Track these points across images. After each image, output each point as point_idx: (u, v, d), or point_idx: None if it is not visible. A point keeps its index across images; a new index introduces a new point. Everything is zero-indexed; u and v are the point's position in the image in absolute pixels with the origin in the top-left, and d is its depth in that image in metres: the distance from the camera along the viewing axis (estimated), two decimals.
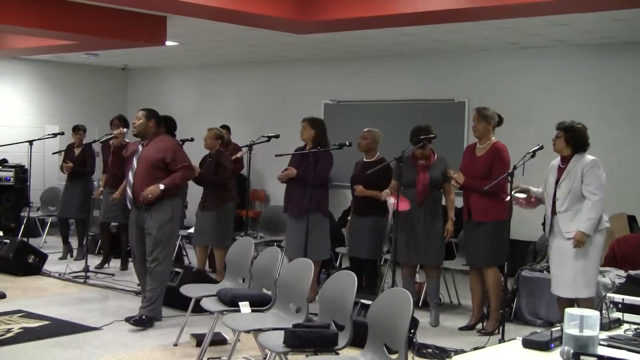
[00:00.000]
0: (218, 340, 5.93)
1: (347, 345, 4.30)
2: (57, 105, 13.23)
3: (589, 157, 5.84)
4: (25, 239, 9.07)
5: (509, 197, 6.04)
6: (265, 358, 5.19)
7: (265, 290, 5.51)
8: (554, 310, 6.48)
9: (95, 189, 9.74)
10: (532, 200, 6.22)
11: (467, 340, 6.38)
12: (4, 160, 11.80)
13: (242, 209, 10.10)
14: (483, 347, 5.44)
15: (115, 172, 8.55)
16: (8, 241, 8.90)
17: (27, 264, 8.70)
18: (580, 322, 3.09)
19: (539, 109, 9.48)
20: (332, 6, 7.11)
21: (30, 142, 9.27)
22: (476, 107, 6.78)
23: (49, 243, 10.68)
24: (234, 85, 12.64)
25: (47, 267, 8.86)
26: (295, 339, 4.24)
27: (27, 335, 6.14)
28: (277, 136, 7.89)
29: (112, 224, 9.45)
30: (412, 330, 5.95)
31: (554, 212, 5.91)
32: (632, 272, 6.43)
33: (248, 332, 5.04)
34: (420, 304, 7.29)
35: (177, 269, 7.17)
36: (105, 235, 9.50)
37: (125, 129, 7.06)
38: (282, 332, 4.33)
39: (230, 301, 5.32)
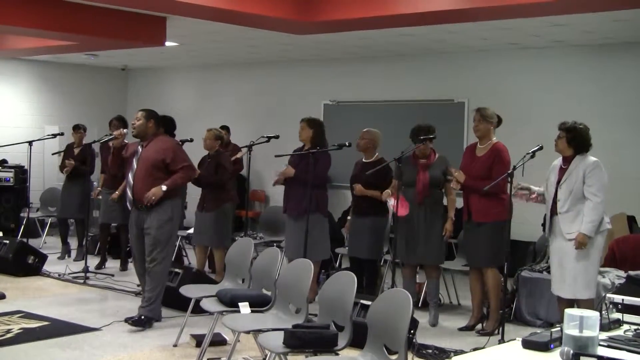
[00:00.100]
0: (218, 341, 5.93)
1: (347, 345, 4.29)
2: (57, 106, 13.23)
3: (591, 158, 5.82)
4: (24, 240, 9.07)
5: (511, 193, 6.03)
6: (264, 358, 5.18)
7: (264, 291, 5.51)
8: (553, 311, 6.48)
9: (93, 189, 9.74)
10: (533, 195, 6.21)
11: (467, 340, 6.38)
12: (4, 161, 11.80)
13: (241, 209, 10.10)
14: (483, 347, 5.45)
15: (115, 172, 8.55)
16: (8, 242, 8.89)
17: (27, 264, 8.70)
18: (580, 323, 3.09)
19: (539, 109, 9.48)
20: (331, 7, 7.11)
21: (30, 143, 9.27)
22: (477, 107, 6.77)
23: (49, 243, 10.67)
24: (233, 85, 12.64)
25: (46, 267, 8.85)
26: (295, 340, 4.24)
27: (26, 336, 6.13)
28: (276, 137, 7.89)
29: (112, 224, 9.45)
30: (412, 331, 5.95)
31: (554, 213, 5.89)
32: (631, 273, 6.46)
33: (248, 332, 5.03)
34: (420, 305, 7.30)
35: (176, 270, 7.17)
36: (104, 236, 9.50)
37: (125, 130, 7.06)
38: (282, 332, 4.33)
39: (230, 302, 5.32)
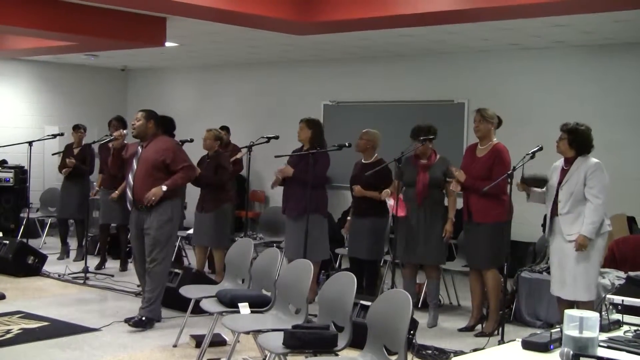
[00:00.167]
0: (217, 341, 5.93)
1: (347, 346, 4.29)
2: (57, 106, 13.23)
3: (593, 159, 5.80)
4: (24, 240, 9.07)
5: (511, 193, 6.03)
6: (264, 359, 5.18)
7: (264, 291, 5.51)
8: (553, 312, 6.47)
9: (92, 189, 9.73)
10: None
11: (467, 341, 6.38)
12: (4, 161, 11.80)
13: (241, 210, 10.10)
14: (482, 348, 5.45)
15: (115, 173, 8.55)
16: (8, 242, 8.90)
17: (27, 264, 8.70)
18: (580, 324, 3.09)
19: (539, 110, 9.48)
20: (331, 7, 7.10)
21: (30, 143, 9.27)
22: (477, 108, 6.76)
23: (49, 244, 10.67)
24: (233, 86, 12.64)
25: (46, 268, 8.86)
26: (295, 340, 4.24)
27: (26, 336, 6.13)
28: (276, 137, 7.89)
29: (112, 224, 9.45)
30: (412, 332, 5.95)
31: (555, 214, 5.88)
32: (631, 274, 6.42)
33: (247, 333, 5.03)
34: (419, 305, 7.29)
35: (176, 270, 7.17)
36: (104, 236, 9.50)
37: (124, 131, 7.06)
38: (282, 333, 4.33)
39: (230, 302, 5.32)
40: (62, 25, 8.08)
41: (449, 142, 8.91)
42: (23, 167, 11.34)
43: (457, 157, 7.55)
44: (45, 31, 8.17)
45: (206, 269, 8.65)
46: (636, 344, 3.35)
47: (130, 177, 6.50)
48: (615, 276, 6.69)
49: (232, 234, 8.74)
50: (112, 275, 8.73)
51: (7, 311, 6.91)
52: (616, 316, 3.79)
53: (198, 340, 5.91)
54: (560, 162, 5.97)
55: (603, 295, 4.57)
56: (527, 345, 3.32)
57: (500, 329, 6.02)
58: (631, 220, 8.50)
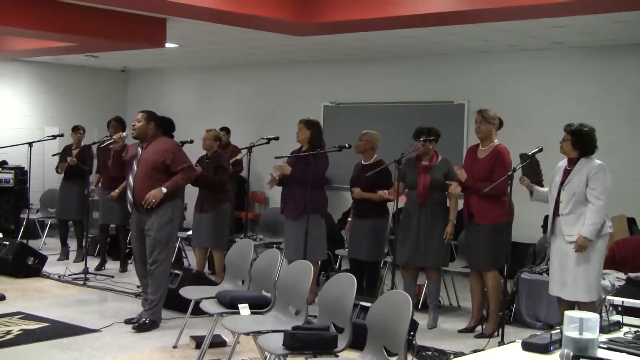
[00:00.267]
0: (217, 343, 5.93)
1: (347, 347, 4.30)
2: (57, 107, 13.23)
3: (596, 161, 5.78)
4: (24, 241, 9.06)
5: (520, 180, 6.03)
6: None
7: (264, 293, 5.51)
8: (553, 313, 6.47)
9: (88, 187, 9.68)
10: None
11: (467, 342, 6.38)
12: (4, 162, 11.80)
13: (241, 211, 10.10)
14: (482, 349, 5.44)
15: (115, 174, 8.54)
16: (8, 243, 8.90)
17: (27, 265, 8.70)
18: (580, 325, 3.09)
19: (539, 110, 9.48)
20: (331, 8, 7.11)
21: (30, 144, 9.27)
22: (478, 109, 6.75)
23: (49, 245, 10.68)
24: (233, 87, 12.65)
25: (46, 268, 8.86)
26: (295, 341, 4.24)
27: (26, 337, 6.13)
28: (276, 138, 7.89)
29: (111, 225, 9.45)
30: (412, 333, 5.95)
31: (556, 214, 5.88)
32: (631, 275, 6.45)
33: (247, 334, 5.04)
34: (419, 306, 7.29)
35: (176, 271, 7.17)
36: (103, 237, 9.50)
37: (124, 134, 7.06)
38: (282, 334, 4.33)
39: (230, 303, 5.31)
40: (62, 26, 8.08)
41: (449, 143, 8.90)
42: (23, 168, 11.34)
43: (457, 158, 7.56)
44: (46, 32, 8.18)
45: (206, 269, 8.65)
46: (636, 346, 3.36)
47: (130, 178, 6.50)
48: (615, 277, 6.69)
49: (232, 235, 8.74)
50: (112, 276, 8.73)
51: (7, 312, 6.91)
52: (616, 317, 3.79)
53: (198, 341, 5.91)
54: (563, 162, 5.96)
55: (603, 297, 4.57)
56: (527, 346, 3.32)
57: (500, 330, 6.01)
58: (631, 221, 8.50)
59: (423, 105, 10.36)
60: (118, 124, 9.09)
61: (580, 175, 5.75)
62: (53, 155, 10.42)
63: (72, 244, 10.08)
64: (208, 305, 5.49)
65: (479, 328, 6.71)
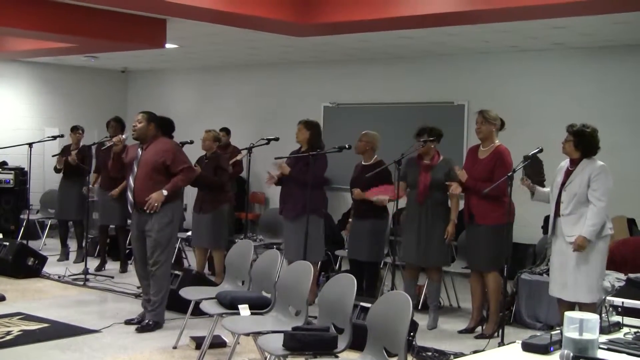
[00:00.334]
0: (217, 343, 5.92)
1: (347, 348, 4.30)
2: (57, 108, 13.23)
3: (598, 162, 5.77)
4: (24, 242, 9.05)
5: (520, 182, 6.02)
6: None
7: (264, 293, 5.51)
8: (553, 314, 6.47)
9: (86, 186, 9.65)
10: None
11: (467, 343, 6.38)
12: (4, 163, 11.80)
13: (241, 211, 10.10)
14: (482, 350, 5.44)
15: (115, 175, 8.54)
16: (8, 243, 8.90)
17: (27, 266, 8.70)
18: (580, 326, 3.09)
19: (539, 111, 9.48)
20: (331, 9, 7.11)
21: (30, 145, 9.26)
22: (479, 109, 6.75)
23: (49, 245, 10.68)
24: (233, 87, 12.65)
25: (46, 269, 8.85)
26: (295, 342, 4.24)
27: (26, 338, 6.13)
28: (276, 139, 7.89)
29: (111, 225, 9.45)
30: (412, 333, 5.95)
31: (557, 215, 5.88)
32: (631, 275, 6.44)
33: (247, 334, 5.04)
34: (419, 307, 7.29)
35: (176, 272, 7.17)
36: (103, 237, 9.49)
37: (123, 136, 7.05)
38: (282, 335, 4.33)
39: (230, 304, 5.31)
40: (62, 27, 8.08)
41: (449, 143, 8.87)
42: (23, 168, 11.34)
43: (456, 158, 7.55)
44: (46, 33, 8.18)
45: (206, 270, 8.65)
46: (636, 346, 3.36)
47: (130, 179, 6.50)
48: (615, 278, 6.68)
49: (232, 236, 8.74)
50: (112, 277, 8.74)
51: (7, 313, 6.91)
52: (616, 318, 3.78)
53: (198, 342, 5.91)
54: (565, 162, 5.94)
55: (603, 297, 4.57)
56: (527, 347, 3.32)
57: (500, 331, 6.01)
58: (631, 222, 8.50)
59: (423, 105, 10.36)
60: (117, 124, 9.09)
61: (582, 176, 5.74)
62: (53, 155, 10.40)
63: (72, 245, 10.08)
64: (208, 306, 5.49)
65: (479, 329, 6.71)
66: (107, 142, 8.44)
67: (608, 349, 3.32)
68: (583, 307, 5.70)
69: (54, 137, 9.51)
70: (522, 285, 7.08)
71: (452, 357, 5.89)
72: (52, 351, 5.85)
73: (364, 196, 7.18)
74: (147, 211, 6.33)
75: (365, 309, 5.69)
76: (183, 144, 8.04)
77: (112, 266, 9.35)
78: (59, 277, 8.65)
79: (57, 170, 9.84)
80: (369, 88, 11.02)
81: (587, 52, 9.26)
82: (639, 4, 6.07)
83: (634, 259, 7.15)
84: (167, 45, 9.25)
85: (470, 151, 6.89)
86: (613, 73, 9.10)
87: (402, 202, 7.15)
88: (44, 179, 12.57)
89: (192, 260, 9.04)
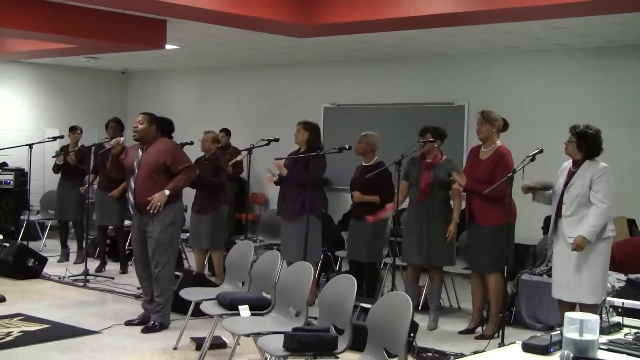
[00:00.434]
0: (218, 344, 5.93)
1: (347, 349, 4.30)
2: (57, 109, 13.24)
3: (601, 164, 5.75)
4: (25, 242, 9.05)
5: (524, 183, 6.02)
6: None
7: (264, 294, 5.51)
8: (553, 314, 6.46)
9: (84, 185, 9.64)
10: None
11: (467, 344, 6.37)
12: (4, 164, 11.80)
13: (241, 212, 10.10)
14: (483, 351, 5.44)
15: (115, 176, 8.55)
16: (8, 244, 8.89)
17: (27, 267, 8.70)
18: (580, 326, 3.09)
19: (539, 112, 9.48)
20: (331, 10, 7.10)
21: (30, 146, 9.25)
22: (481, 110, 6.75)
23: (49, 246, 10.68)
24: (233, 88, 12.65)
25: (46, 270, 8.86)
26: (295, 343, 4.24)
27: (26, 339, 6.13)
28: (276, 140, 7.88)
29: (110, 226, 9.45)
30: (412, 334, 5.94)
31: (559, 216, 5.87)
32: (631, 276, 6.44)
33: (248, 335, 5.04)
34: (420, 308, 7.29)
35: (176, 273, 7.16)
36: (102, 238, 9.49)
37: (122, 138, 7.04)
38: (282, 335, 4.33)
39: (230, 305, 5.32)
40: (62, 28, 8.08)
41: (449, 144, 8.88)
42: (23, 169, 11.35)
43: (457, 159, 7.55)
44: (46, 34, 8.18)
45: (206, 271, 8.65)
46: (636, 347, 3.35)
47: (131, 180, 6.50)
48: (615, 279, 6.68)
49: (232, 236, 8.74)
50: (113, 278, 8.74)
51: (7, 314, 6.91)
52: (616, 319, 3.78)
53: (198, 343, 5.91)
54: (568, 163, 5.93)
55: (603, 298, 4.57)
56: (527, 347, 3.32)
57: (501, 332, 6.01)
58: (631, 222, 8.50)
59: (423, 106, 10.36)
60: (117, 125, 9.09)
61: (584, 177, 5.73)
62: (53, 156, 10.41)
63: (72, 246, 10.08)
64: (208, 307, 5.50)
65: (479, 329, 6.71)
66: (106, 144, 8.46)
67: (608, 350, 3.32)
68: (584, 307, 5.69)
69: (54, 138, 9.50)
70: (522, 285, 7.08)
71: (452, 357, 5.89)
72: (52, 352, 5.85)
73: (365, 199, 7.19)
74: (150, 211, 6.33)
75: (366, 310, 5.70)
76: (183, 144, 8.02)
77: (112, 267, 9.35)
78: (59, 278, 8.66)
79: (56, 169, 9.82)
80: (369, 89, 11.02)
81: (587, 53, 9.26)
82: (638, 5, 6.07)
83: (634, 260, 7.14)
84: (167, 46, 9.25)
85: (471, 152, 6.88)
86: (613, 73, 9.10)
87: (404, 202, 7.15)
88: (44, 180, 12.57)
89: (192, 261, 9.03)
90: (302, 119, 7.64)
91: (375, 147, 7.41)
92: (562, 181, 5.88)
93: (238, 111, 12.43)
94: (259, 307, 5.26)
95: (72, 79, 13.40)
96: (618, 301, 3.89)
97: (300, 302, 4.94)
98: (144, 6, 7.30)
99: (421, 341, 6.13)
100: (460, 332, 6.77)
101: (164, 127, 7.42)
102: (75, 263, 9.65)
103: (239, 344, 5.50)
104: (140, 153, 6.50)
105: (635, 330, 3.65)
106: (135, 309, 7.05)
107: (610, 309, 3.84)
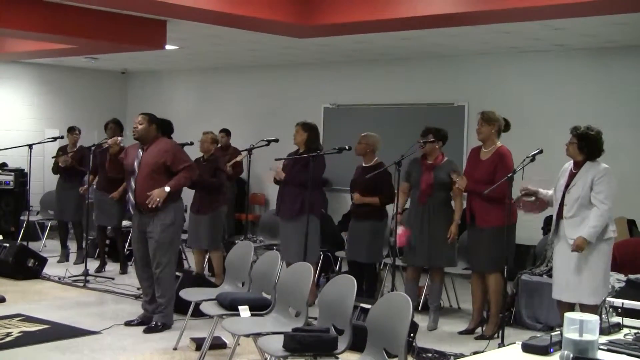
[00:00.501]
0: (217, 344, 5.93)
1: (347, 349, 4.30)
2: (57, 109, 13.24)
3: (602, 165, 5.74)
4: (24, 243, 9.05)
5: (516, 199, 6.02)
6: None
7: (264, 294, 5.51)
8: (553, 315, 6.46)
9: (83, 185, 9.63)
10: (538, 204, 6.15)
11: (467, 344, 6.37)
12: (4, 164, 11.80)
13: (241, 212, 10.10)
14: (483, 351, 5.43)
15: (114, 176, 8.54)
16: (8, 245, 8.89)
17: (27, 267, 8.70)
18: (580, 327, 3.09)
19: (539, 112, 9.48)
20: (332, 10, 7.11)
21: (30, 146, 9.24)
22: (481, 110, 6.75)
23: (49, 247, 10.67)
24: (233, 88, 12.65)
25: (46, 270, 8.85)
26: (295, 343, 4.24)
27: (26, 339, 6.13)
28: (276, 140, 7.89)
29: (108, 227, 9.45)
30: (412, 335, 5.95)
31: (560, 217, 5.86)
32: (631, 276, 6.44)
33: (247, 336, 5.04)
34: (420, 308, 7.29)
35: (176, 273, 7.16)
36: (102, 238, 9.48)
37: (120, 138, 7.03)
38: (282, 336, 4.33)
39: (230, 305, 5.32)
40: (62, 28, 8.08)
41: (449, 144, 8.88)
42: (23, 170, 11.34)
43: (456, 160, 7.54)
44: (46, 34, 8.18)
45: (206, 271, 8.65)
46: (636, 347, 3.35)
47: (132, 180, 6.50)
48: (615, 279, 6.67)
49: (231, 237, 8.74)
50: (112, 278, 8.74)
51: (7, 314, 6.91)
52: (616, 319, 3.78)
53: (198, 343, 5.91)
54: (569, 164, 5.92)
55: (603, 298, 4.57)
56: (527, 348, 3.31)
57: (500, 332, 6.01)
58: (631, 223, 8.50)
59: (423, 107, 10.35)
60: (116, 126, 9.09)
61: (585, 178, 5.72)
62: (53, 157, 10.41)
63: (72, 246, 10.07)
64: (208, 307, 5.50)
65: (479, 330, 6.71)
66: (104, 143, 8.46)
67: (608, 350, 3.32)
68: (584, 308, 5.68)
69: (54, 139, 9.50)
70: (522, 286, 7.07)
71: (452, 358, 5.89)
72: (52, 352, 5.85)
73: (365, 200, 7.19)
74: (150, 205, 6.31)
75: (365, 310, 5.70)
76: (183, 145, 8.02)
77: (112, 267, 9.35)
78: (59, 278, 8.66)
79: (55, 169, 9.82)
80: (370, 89, 11.02)
81: (587, 53, 9.25)
82: (639, 5, 6.07)
83: (634, 260, 7.13)
84: (167, 47, 9.26)
85: (472, 152, 6.88)
86: (614, 74, 9.10)
87: (406, 204, 7.16)
88: (44, 181, 12.57)
89: (192, 261, 9.03)
90: (302, 120, 7.64)
91: (375, 148, 7.40)
92: (563, 182, 5.87)
93: (238, 111, 12.43)
94: (259, 307, 5.26)
95: (72, 79, 13.40)
96: (618, 301, 3.89)
97: (300, 303, 4.94)
98: (143, 6, 7.30)
99: (421, 341, 6.13)
100: (460, 333, 6.77)
101: (163, 128, 7.42)
102: (75, 263, 9.65)
103: (238, 345, 5.50)
104: (141, 153, 6.50)
105: (635, 331, 3.65)
106: (135, 309, 7.05)
107: (610, 310, 3.84)
